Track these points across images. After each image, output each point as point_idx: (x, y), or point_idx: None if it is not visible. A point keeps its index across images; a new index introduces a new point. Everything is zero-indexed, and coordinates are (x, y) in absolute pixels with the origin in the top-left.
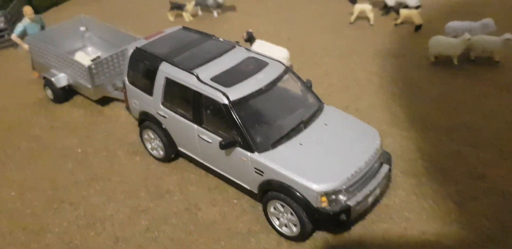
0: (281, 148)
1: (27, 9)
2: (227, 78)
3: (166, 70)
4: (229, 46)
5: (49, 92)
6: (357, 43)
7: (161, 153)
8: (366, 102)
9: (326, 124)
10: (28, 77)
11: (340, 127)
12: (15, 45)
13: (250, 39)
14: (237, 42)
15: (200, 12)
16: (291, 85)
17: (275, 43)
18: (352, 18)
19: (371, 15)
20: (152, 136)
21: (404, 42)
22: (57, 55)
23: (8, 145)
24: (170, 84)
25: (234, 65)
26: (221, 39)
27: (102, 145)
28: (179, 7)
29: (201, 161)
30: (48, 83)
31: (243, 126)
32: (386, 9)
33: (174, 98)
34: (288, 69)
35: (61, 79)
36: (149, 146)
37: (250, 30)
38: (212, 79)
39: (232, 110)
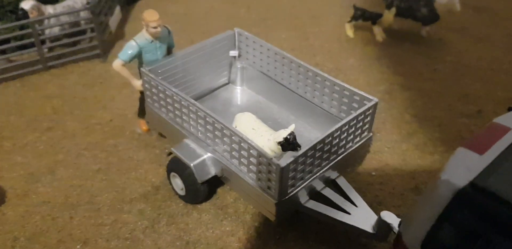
0: None
1: (152, 15)
2: None
3: None
4: None
5: (177, 183)
6: None
7: None
8: None
9: None
10: (125, 125)
11: None
12: (103, 57)
13: None
14: None
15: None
16: None
17: None
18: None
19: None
20: None
21: None
22: (204, 115)
23: None
24: None
25: None
26: None
27: None
28: (368, 17)
29: None
30: (175, 167)
31: None
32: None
33: None
34: None
35: (208, 165)
36: None
37: None
38: None
39: None
